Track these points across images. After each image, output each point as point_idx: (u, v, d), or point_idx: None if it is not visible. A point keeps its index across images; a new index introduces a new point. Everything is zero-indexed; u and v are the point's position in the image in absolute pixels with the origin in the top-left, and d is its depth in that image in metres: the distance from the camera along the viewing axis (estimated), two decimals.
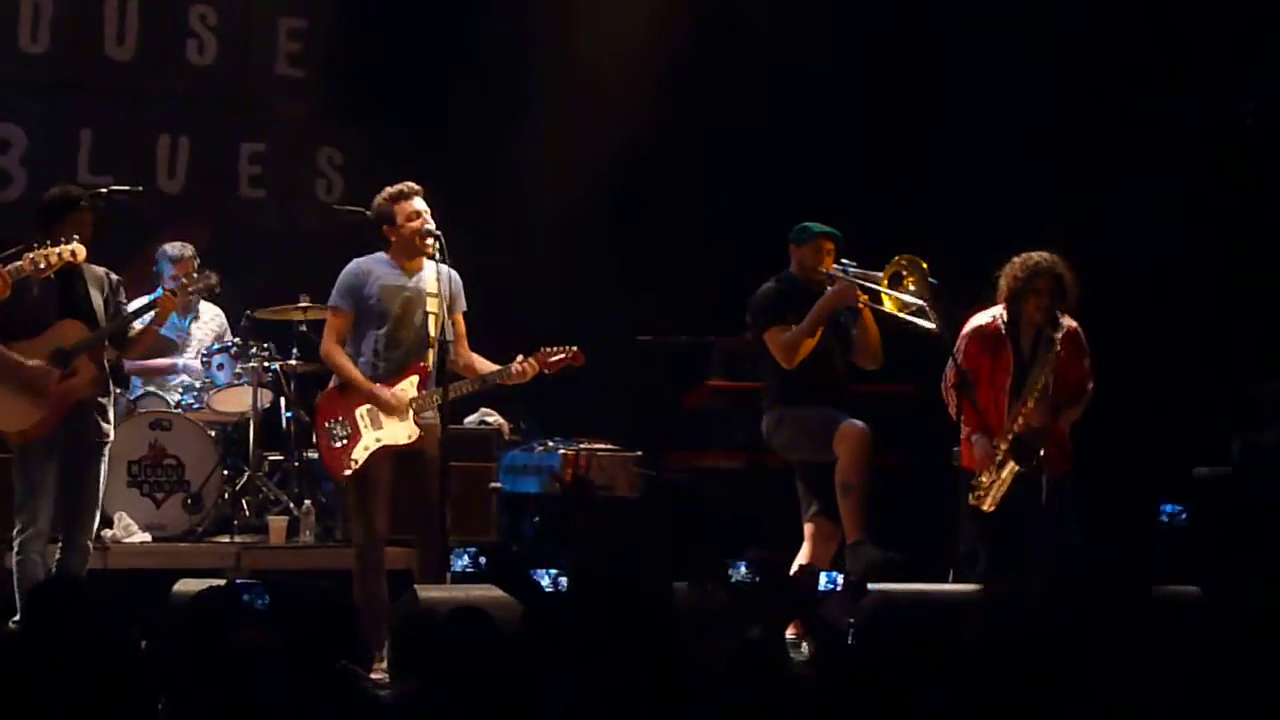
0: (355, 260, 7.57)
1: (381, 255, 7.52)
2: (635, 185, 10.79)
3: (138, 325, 7.46)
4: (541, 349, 7.49)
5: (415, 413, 7.39)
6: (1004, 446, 7.55)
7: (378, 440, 7.39)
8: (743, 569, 6.21)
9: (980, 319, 7.76)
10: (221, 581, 5.70)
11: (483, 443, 9.27)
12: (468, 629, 4.23)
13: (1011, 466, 7.55)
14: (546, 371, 7.51)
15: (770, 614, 5.21)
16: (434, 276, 7.44)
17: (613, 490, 9.58)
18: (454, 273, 7.55)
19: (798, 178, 10.44)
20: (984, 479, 7.57)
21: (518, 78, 11.00)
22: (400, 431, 7.40)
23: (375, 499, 7.39)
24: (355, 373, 7.42)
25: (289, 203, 10.98)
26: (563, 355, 7.50)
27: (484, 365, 7.56)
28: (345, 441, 7.42)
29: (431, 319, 7.39)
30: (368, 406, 7.41)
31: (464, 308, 7.59)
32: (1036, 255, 7.64)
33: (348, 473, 7.42)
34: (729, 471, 9.45)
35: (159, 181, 10.60)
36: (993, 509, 7.56)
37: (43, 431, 7.25)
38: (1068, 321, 7.70)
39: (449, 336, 7.34)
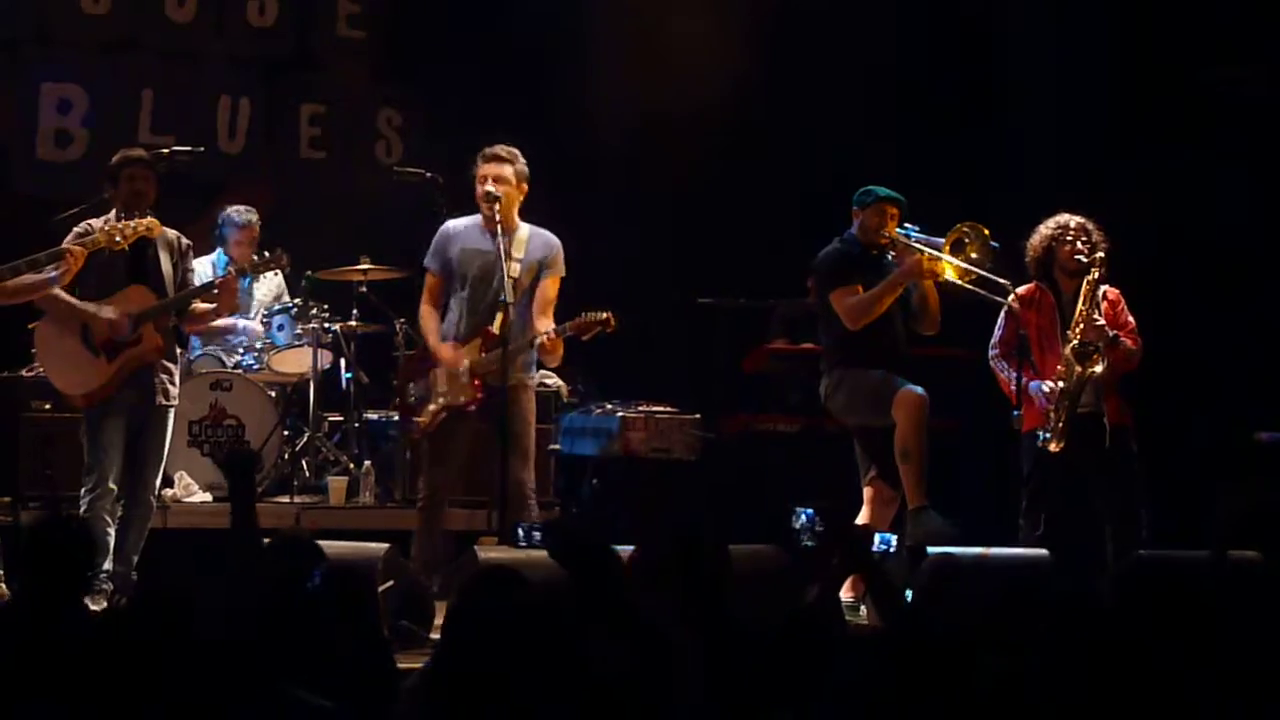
0: (448, 222, 7.70)
1: (475, 218, 7.61)
2: (696, 147, 10.74)
3: (204, 305, 7.54)
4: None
5: (475, 376, 7.41)
6: (1062, 368, 7.54)
7: (442, 401, 7.44)
8: (806, 519, 6.17)
9: (1020, 289, 7.77)
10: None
11: (541, 404, 9.27)
12: (497, 591, 4.19)
13: (1078, 371, 7.53)
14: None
15: (830, 571, 5.16)
16: (522, 240, 7.47)
17: (670, 453, 9.57)
18: (551, 237, 7.59)
19: (859, 141, 10.37)
20: (1051, 415, 7.55)
21: (578, 39, 10.95)
22: (459, 394, 7.43)
23: (439, 459, 7.46)
24: (431, 335, 7.57)
25: (349, 164, 10.98)
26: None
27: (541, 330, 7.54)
28: (418, 401, 7.53)
29: (509, 283, 7.38)
30: (442, 369, 7.50)
31: (560, 273, 7.59)
32: (1059, 215, 7.78)
33: (418, 431, 7.56)
34: (787, 435, 9.44)
35: (219, 143, 10.61)
36: (1059, 448, 7.53)
37: (106, 394, 7.32)
38: (1109, 289, 7.72)
39: (510, 299, 7.35)
